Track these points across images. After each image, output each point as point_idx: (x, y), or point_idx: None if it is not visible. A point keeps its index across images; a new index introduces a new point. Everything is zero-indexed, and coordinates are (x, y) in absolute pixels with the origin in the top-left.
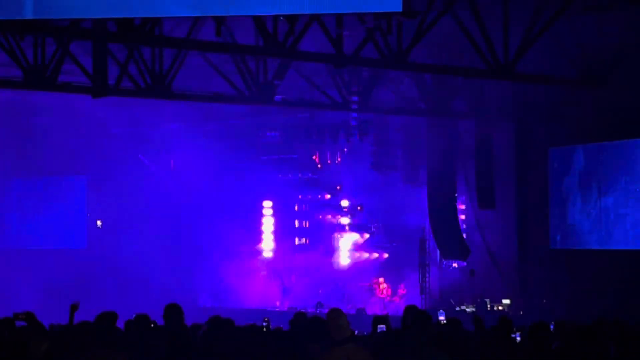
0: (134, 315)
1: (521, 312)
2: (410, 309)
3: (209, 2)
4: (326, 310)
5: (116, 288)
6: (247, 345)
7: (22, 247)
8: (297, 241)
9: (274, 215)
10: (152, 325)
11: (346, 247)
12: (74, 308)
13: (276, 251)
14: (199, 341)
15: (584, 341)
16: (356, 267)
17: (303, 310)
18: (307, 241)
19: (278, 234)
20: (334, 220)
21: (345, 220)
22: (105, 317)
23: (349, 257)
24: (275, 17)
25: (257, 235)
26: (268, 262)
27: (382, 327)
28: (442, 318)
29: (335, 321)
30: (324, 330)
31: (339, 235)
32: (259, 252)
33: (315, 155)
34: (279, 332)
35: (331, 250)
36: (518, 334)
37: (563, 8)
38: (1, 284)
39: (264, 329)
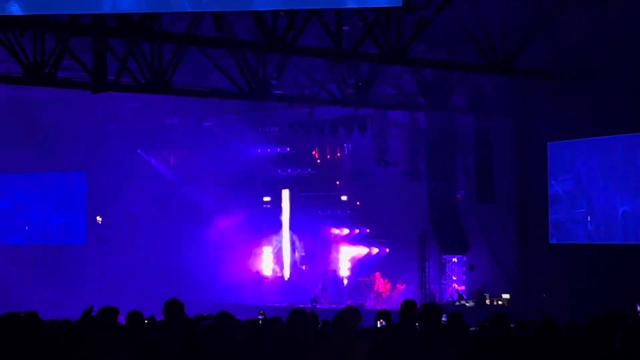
0: (128, 312)
1: (521, 309)
2: (408, 304)
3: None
4: (321, 306)
5: (115, 284)
6: (247, 339)
7: (21, 243)
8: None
9: (274, 210)
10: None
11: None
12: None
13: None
14: (203, 334)
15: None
16: (355, 262)
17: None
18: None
19: (277, 230)
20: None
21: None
22: (107, 312)
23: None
24: (275, 13)
25: (257, 231)
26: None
27: (382, 322)
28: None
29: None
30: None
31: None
32: (259, 248)
33: (315, 150)
34: (277, 324)
35: (328, 247)
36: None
37: (562, 3)
38: (1, 279)
39: (261, 322)
